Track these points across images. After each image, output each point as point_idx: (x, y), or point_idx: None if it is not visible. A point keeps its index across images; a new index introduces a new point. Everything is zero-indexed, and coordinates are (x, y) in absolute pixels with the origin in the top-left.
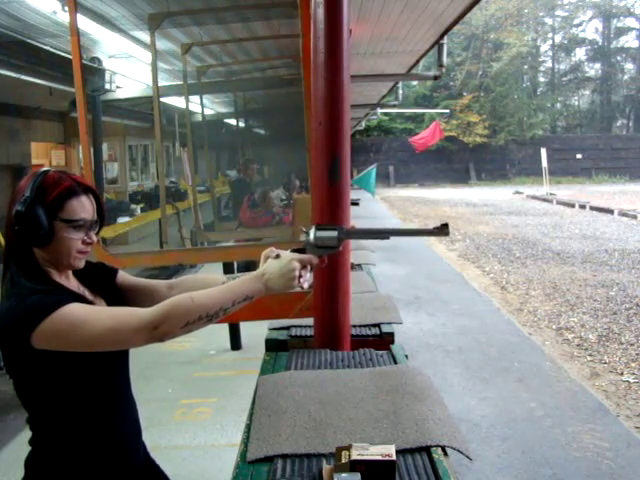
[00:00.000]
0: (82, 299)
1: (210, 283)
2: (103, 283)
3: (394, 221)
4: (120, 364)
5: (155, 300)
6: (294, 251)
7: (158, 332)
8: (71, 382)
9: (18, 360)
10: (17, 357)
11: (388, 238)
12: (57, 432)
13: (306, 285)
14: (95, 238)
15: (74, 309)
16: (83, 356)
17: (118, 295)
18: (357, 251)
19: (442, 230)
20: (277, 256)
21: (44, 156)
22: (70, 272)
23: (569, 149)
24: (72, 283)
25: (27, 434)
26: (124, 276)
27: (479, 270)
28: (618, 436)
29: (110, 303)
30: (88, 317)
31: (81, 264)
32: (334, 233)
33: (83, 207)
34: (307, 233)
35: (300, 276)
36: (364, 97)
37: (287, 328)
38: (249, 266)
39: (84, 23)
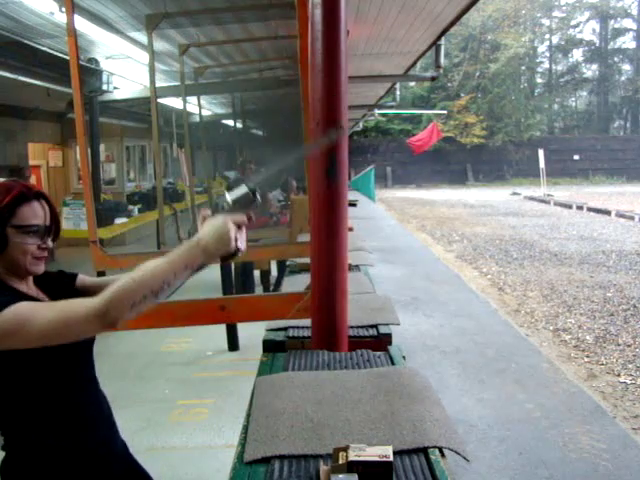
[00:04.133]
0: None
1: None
2: (63, 289)
3: (391, 222)
4: (82, 357)
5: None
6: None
7: (108, 318)
8: (31, 380)
9: None
10: None
11: (306, 153)
12: (26, 434)
13: (243, 246)
14: (50, 243)
15: (20, 307)
16: (39, 351)
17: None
18: (355, 252)
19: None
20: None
21: (41, 157)
22: (30, 280)
23: (566, 150)
24: (31, 290)
25: None
26: (84, 279)
27: (476, 271)
28: (615, 438)
29: None
30: (35, 312)
31: (39, 269)
32: (244, 188)
33: (35, 213)
34: (223, 199)
35: (236, 239)
36: (362, 98)
37: (284, 329)
38: (247, 266)
39: (81, 24)
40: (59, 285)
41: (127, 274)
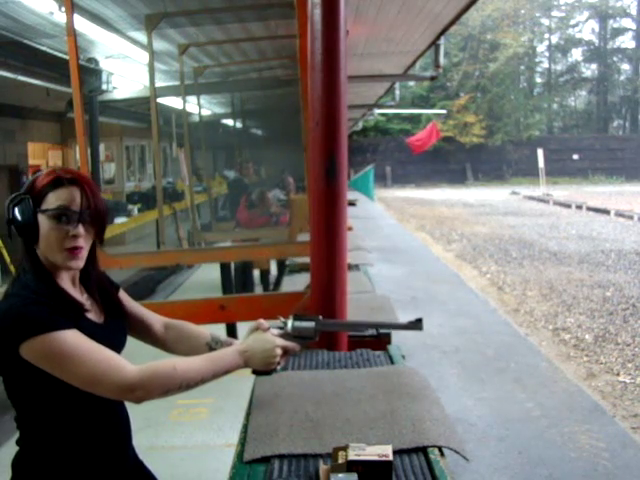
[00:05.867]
0: (82, 311)
1: (198, 338)
2: (107, 297)
3: (391, 221)
4: None
5: (148, 333)
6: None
7: (134, 395)
8: (58, 387)
9: (7, 360)
10: (6, 358)
11: (363, 331)
12: (44, 432)
13: (279, 367)
14: (82, 231)
15: (68, 339)
16: None
17: (119, 311)
18: (354, 251)
19: (416, 325)
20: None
21: (41, 157)
22: (77, 278)
23: (566, 150)
24: (76, 290)
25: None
26: (125, 297)
27: (476, 271)
28: (614, 437)
29: (110, 316)
30: (78, 355)
31: (74, 264)
32: (311, 324)
33: (63, 196)
34: (285, 322)
35: (278, 362)
36: (361, 97)
37: None
38: (246, 266)
39: (81, 24)
40: (104, 288)
41: (172, 359)
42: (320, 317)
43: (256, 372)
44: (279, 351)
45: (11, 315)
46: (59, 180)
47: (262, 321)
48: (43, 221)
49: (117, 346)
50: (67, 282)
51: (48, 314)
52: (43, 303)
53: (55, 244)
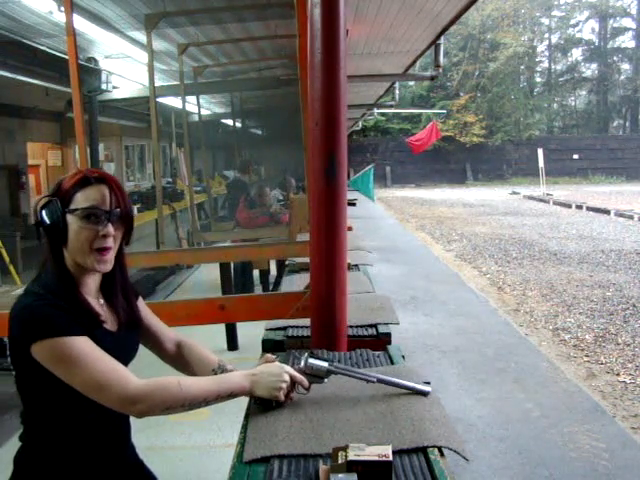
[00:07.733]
0: (97, 321)
1: (205, 363)
2: (127, 303)
3: (391, 221)
4: None
5: (159, 348)
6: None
7: (135, 408)
8: (65, 388)
9: (20, 356)
10: (19, 353)
11: (374, 382)
12: (47, 429)
13: (287, 400)
14: (111, 230)
15: (78, 345)
16: None
17: (134, 322)
18: (354, 251)
19: (422, 389)
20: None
21: (40, 156)
22: (98, 279)
23: (566, 149)
24: (95, 296)
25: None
26: (142, 306)
27: (476, 270)
28: (614, 437)
29: (125, 326)
30: (85, 361)
31: (103, 267)
32: (325, 364)
33: (92, 196)
34: (299, 357)
35: (288, 392)
36: (361, 97)
37: (284, 328)
38: (246, 266)
39: (80, 23)
40: (126, 296)
41: (178, 376)
42: (334, 362)
43: (259, 400)
44: (287, 377)
45: (28, 313)
46: (87, 179)
47: (271, 355)
48: (72, 221)
49: (127, 357)
50: (87, 287)
51: (63, 318)
52: (60, 307)
53: (85, 244)
